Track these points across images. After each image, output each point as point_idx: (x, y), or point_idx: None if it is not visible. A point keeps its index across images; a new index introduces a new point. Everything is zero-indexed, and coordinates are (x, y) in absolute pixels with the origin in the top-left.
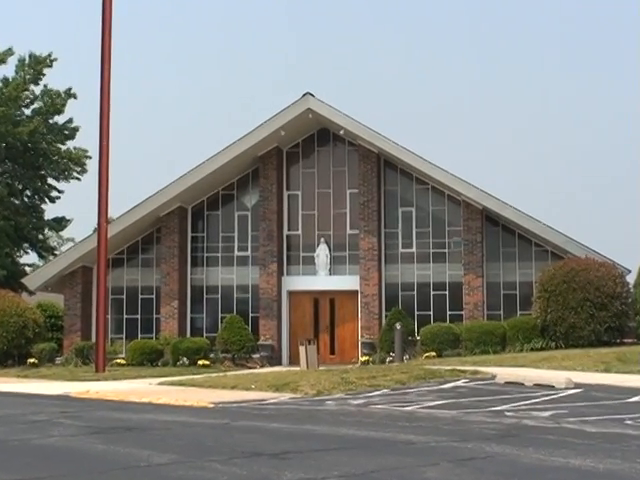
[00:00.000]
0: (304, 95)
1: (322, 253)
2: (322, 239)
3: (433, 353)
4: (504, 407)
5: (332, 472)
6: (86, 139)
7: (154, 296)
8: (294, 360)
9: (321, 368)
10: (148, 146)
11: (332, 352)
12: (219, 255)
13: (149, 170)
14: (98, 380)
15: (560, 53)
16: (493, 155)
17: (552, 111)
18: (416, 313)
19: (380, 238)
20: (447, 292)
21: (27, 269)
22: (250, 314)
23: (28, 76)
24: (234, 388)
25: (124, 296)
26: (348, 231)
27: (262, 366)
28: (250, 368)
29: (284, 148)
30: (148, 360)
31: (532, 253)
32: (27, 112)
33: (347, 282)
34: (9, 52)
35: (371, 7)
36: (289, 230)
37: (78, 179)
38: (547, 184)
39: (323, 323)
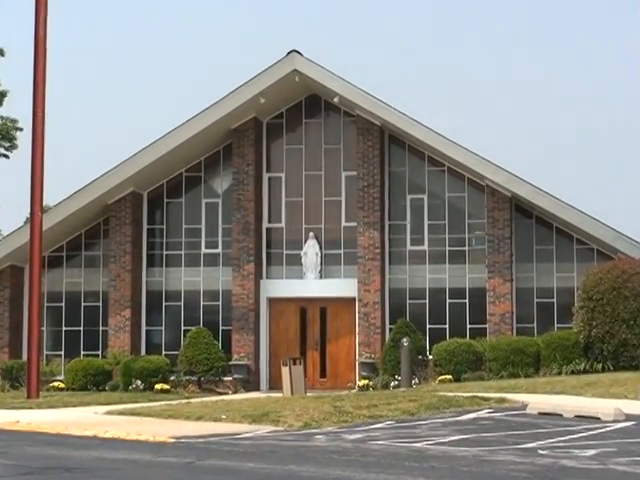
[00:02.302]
0: (289, 53)
1: (311, 251)
2: (311, 233)
3: (449, 376)
4: (537, 444)
5: None
6: (17, 107)
7: (101, 304)
8: (275, 384)
9: (309, 394)
10: (96, 117)
11: (323, 375)
12: (182, 253)
13: (97, 147)
14: (30, 408)
15: None
16: (523, 136)
17: (594, 88)
18: (428, 326)
19: (383, 232)
20: (467, 300)
21: None
22: (220, 327)
23: None
24: (200, 419)
25: (63, 304)
26: (343, 223)
27: (235, 391)
28: (220, 394)
29: (264, 119)
30: (93, 383)
31: (573, 252)
32: None
33: (342, 287)
34: None
35: None
36: (270, 222)
37: (5, 156)
38: (592, 170)
39: (312, 338)
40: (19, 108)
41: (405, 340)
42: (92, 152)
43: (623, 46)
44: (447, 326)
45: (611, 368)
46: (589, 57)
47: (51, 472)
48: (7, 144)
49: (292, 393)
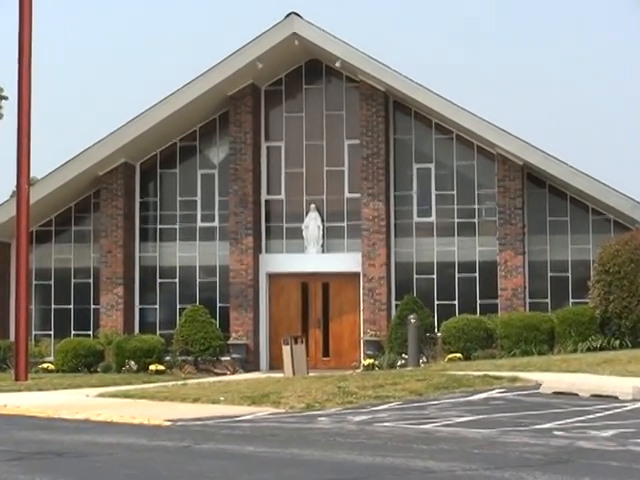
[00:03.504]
0: (288, 15)
1: (312, 224)
2: (312, 205)
3: (459, 355)
4: (552, 424)
5: None
6: (1, 74)
7: (91, 281)
8: (276, 364)
9: (311, 374)
10: (86, 84)
11: (326, 354)
12: (177, 227)
13: (87, 116)
14: (19, 391)
15: None
16: (536, 102)
17: (614, 49)
18: (436, 302)
19: (389, 204)
20: (477, 275)
21: None
22: (218, 304)
23: None
24: (197, 401)
25: (52, 281)
26: (346, 195)
27: (234, 372)
28: (218, 375)
29: (262, 86)
30: (84, 364)
31: (589, 223)
32: None
33: (345, 262)
34: None
35: None
36: (269, 194)
37: None
38: (607, 136)
39: (314, 316)
40: (3, 75)
41: (412, 317)
42: (82, 121)
43: None
44: (456, 302)
45: (629, 345)
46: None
47: (41, 457)
48: None
49: (293, 373)
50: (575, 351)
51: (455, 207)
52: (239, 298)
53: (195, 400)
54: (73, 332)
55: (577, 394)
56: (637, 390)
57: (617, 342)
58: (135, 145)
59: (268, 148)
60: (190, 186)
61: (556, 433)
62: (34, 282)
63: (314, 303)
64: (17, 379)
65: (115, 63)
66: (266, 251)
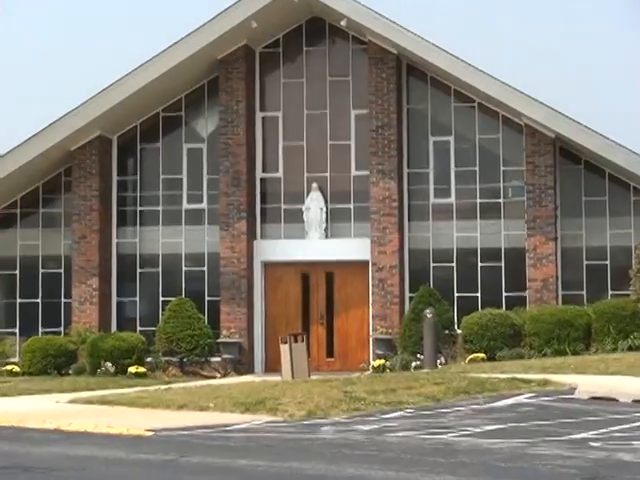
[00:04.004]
0: None
1: (314, 205)
2: (314, 185)
3: (481, 355)
4: (588, 434)
5: None
6: None
7: (62, 271)
8: (273, 366)
9: (313, 377)
10: (58, 50)
11: (330, 354)
12: (159, 209)
13: (57, 84)
14: None
15: None
16: (569, 66)
17: None
18: (456, 295)
19: (402, 183)
20: (502, 263)
21: None
22: (206, 297)
23: None
24: (183, 408)
25: (17, 271)
26: (353, 172)
27: (225, 375)
28: (207, 378)
29: (257, 48)
30: (54, 366)
31: (630, 204)
32: None
33: (352, 249)
34: None
35: None
36: (265, 171)
37: None
38: None
39: (316, 310)
40: None
41: (428, 311)
42: (51, 90)
43: None
44: (479, 294)
45: None
46: None
47: (5, 472)
48: None
49: (293, 376)
50: (615, 350)
51: (477, 186)
52: (231, 290)
53: (181, 407)
54: (41, 329)
55: (617, 399)
56: None
57: None
58: (112, 116)
59: (264, 119)
60: (175, 163)
61: (593, 444)
62: None
63: (316, 296)
64: None
65: (92, 23)
66: (261, 237)
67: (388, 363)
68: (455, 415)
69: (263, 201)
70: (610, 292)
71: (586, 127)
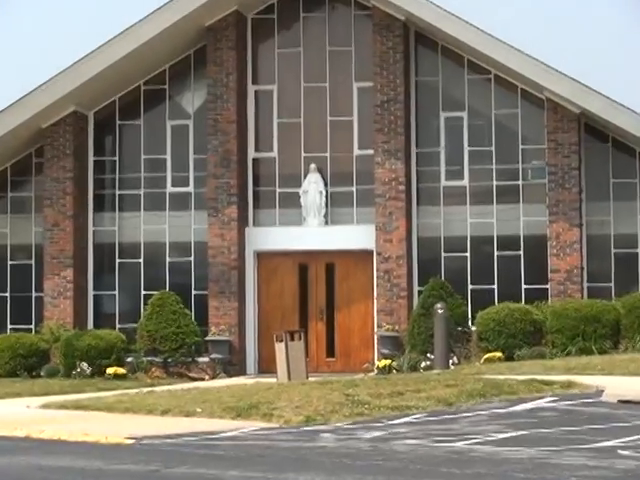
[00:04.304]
0: None
1: (313, 188)
2: (313, 166)
3: (498, 354)
4: (617, 442)
5: None
6: None
7: (33, 262)
8: (267, 367)
9: (312, 379)
10: (30, 17)
11: (330, 353)
12: (141, 193)
13: (29, 55)
14: None
15: None
16: (594, 35)
17: None
18: (470, 288)
19: (409, 163)
20: (521, 252)
21: None
22: (193, 291)
23: None
24: (167, 413)
25: None
26: (356, 152)
27: (214, 376)
28: (194, 380)
29: (249, 14)
30: (24, 367)
31: None
32: None
33: (354, 236)
34: None
35: None
36: (258, 151)
37: None
38: None
39: (315, 305)
40: None
41: (439, 306)
42: (22, 60)
43: None
44: (495, 287)
45: None
46: None
47: None
48: None
49: (289, 378)
50: None
51: (494, 167)
52: (220, 283)
53: (165, 412)
54: (10, 326)
55: None
56: None
57: None
58: (87, 90)
59: (256, 93)
60: (158, 141)
61: (622, 452)
62: None
63: (315, 289)
64: None
65: None
66: (254, 224)
67: (395, 363)
68: (469, 421)
69: (256, 184)
70: None
71: (615, 102)
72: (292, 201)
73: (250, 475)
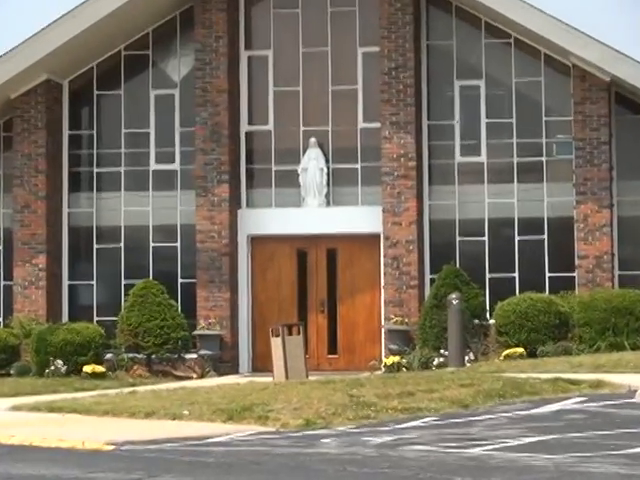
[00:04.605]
0: None
1: (313, 166)
2: (313, 140)
3: (520, 349)
4: None
5: None
6: None
7: (1, 247)
8: (262, 364)
9: (312, 378)
10: None
11: (333, 349)
12: (121, 170)
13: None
14: None
15: None
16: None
17: None
18: (488, 276)
19: (420, 137)
20: (545, 237)
21: None
22: (179, 279)
23: None
24: (151, 416)
25: None
26: (361, 124)
27: (202, 375)
28: (181, 379)
29: None
30: None
31: None
32: None
33: (359, 219)
34: None
35: None
36: (251, 124)
37: None
38: None
39: (316, 296)
40: None
41: (454, 297)
42: None
43: None
44: (516, 275)
45: None
46: None
47: None
48: None
49: (287, 377)
50: None
51: (514, 141)
52: (210, 271)
53: (148, 415)
54: None
55: None
56: None
57: None
58: (61, 56)
59: (250, 59)
60: (140, 113)
61: None
62: None
63: (315, 278)
64: None
65: None
66: (247, 205)
67: (404, 360)
68: (487, 424)
69: (249, 160)
70: None
71: None
72: (290, 180)
73: None
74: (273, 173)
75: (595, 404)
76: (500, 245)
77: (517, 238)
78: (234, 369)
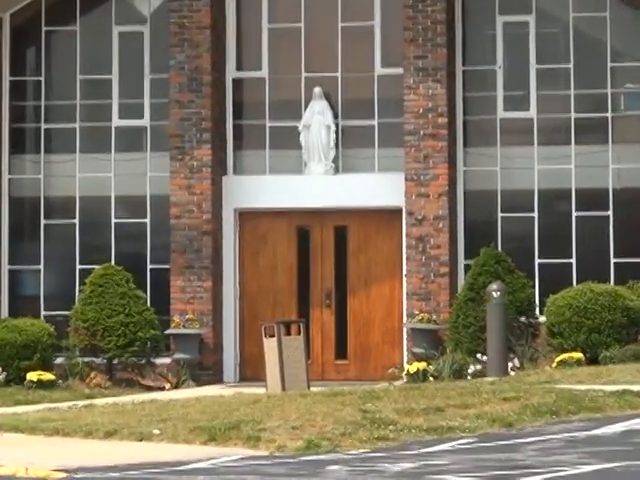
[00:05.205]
0: None
1: (317, 122)
2: (317, 90)
3: (578, 354)
4: None
5: None
6: None
7: None
8: (252, 371)
9: (315, 389)
10: None
11: (341, 353)
12: (76, 127)
13: None
14: None
15: None
16: None
17: None
18: (537, 262)
19: (453, 87)
20: (611, 213)
21: None
22: (149, 265)
23: None
24: (112, 436)
25: None
26: (378, 70)
27: (177, 385)
28: (150, 389)
29: None
30: None
31: None
32: None
33: (376, 189)
34: None
35: None
36: (240, 69)
37: None
38: None
39: (320, 286)
40: None
41: (495, 288)
42: None
43: None
44: (573, 261)
45: None
46: None
47: None
48: None
49: (284, 387)
50: None
51: (571, 93)
52: (187, 254)
53: (108, 435)
54: None
55: None
56: None
57: None
58: None
59: None
60: (100, 56)
61: None
62: None
63: (320, 263)
64: None
65: None
66: (235, 171)
67: (431, 367)
68: (537, 448)
69: (237, 115)
70: None
71: None
72: (288, 139)
73: None
74: (267, 131)
75: None
76: (553, 223)
77: (574, 214)
78: (217, 377)
